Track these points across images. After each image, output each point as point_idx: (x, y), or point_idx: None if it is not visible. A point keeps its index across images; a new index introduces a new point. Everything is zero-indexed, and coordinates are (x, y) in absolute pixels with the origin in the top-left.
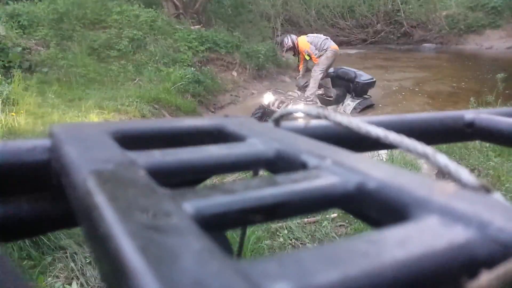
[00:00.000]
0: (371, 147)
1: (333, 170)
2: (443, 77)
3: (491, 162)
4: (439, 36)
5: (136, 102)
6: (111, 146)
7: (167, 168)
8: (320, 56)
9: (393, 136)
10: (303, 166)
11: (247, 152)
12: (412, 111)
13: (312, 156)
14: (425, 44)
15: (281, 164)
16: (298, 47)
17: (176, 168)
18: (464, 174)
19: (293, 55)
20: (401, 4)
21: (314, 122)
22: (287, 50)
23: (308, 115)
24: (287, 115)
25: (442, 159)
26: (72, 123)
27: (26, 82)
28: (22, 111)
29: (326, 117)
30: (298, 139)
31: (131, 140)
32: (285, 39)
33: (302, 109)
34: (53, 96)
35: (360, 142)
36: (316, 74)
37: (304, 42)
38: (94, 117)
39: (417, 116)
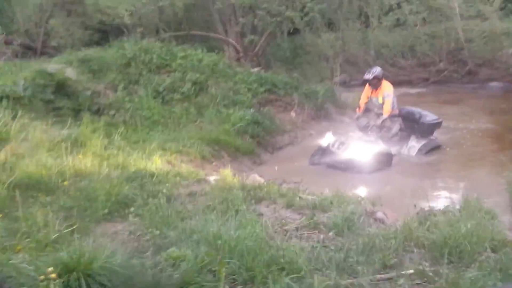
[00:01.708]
0: None
1: None
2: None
3: None
4: (507, 75)
5: (197, 143)
6: None
7: None
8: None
9: None
10: None
11: None
12: (477, 153)
13: None
14: (492, 83)
15: None
16: (381, 83)
17: None
18: None
19: (370, 85)
20: (465, 42)
21: None
22: (371, 78)
23: None
24: None
25: None
26: None
27: (94, 124)
28: (89, 153)
29: None
30: None
31: None
32: (374, 69)
33: None
34: (119, 138)
35: None
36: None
37: (391, 87)
38: (157, 159)
39: None
